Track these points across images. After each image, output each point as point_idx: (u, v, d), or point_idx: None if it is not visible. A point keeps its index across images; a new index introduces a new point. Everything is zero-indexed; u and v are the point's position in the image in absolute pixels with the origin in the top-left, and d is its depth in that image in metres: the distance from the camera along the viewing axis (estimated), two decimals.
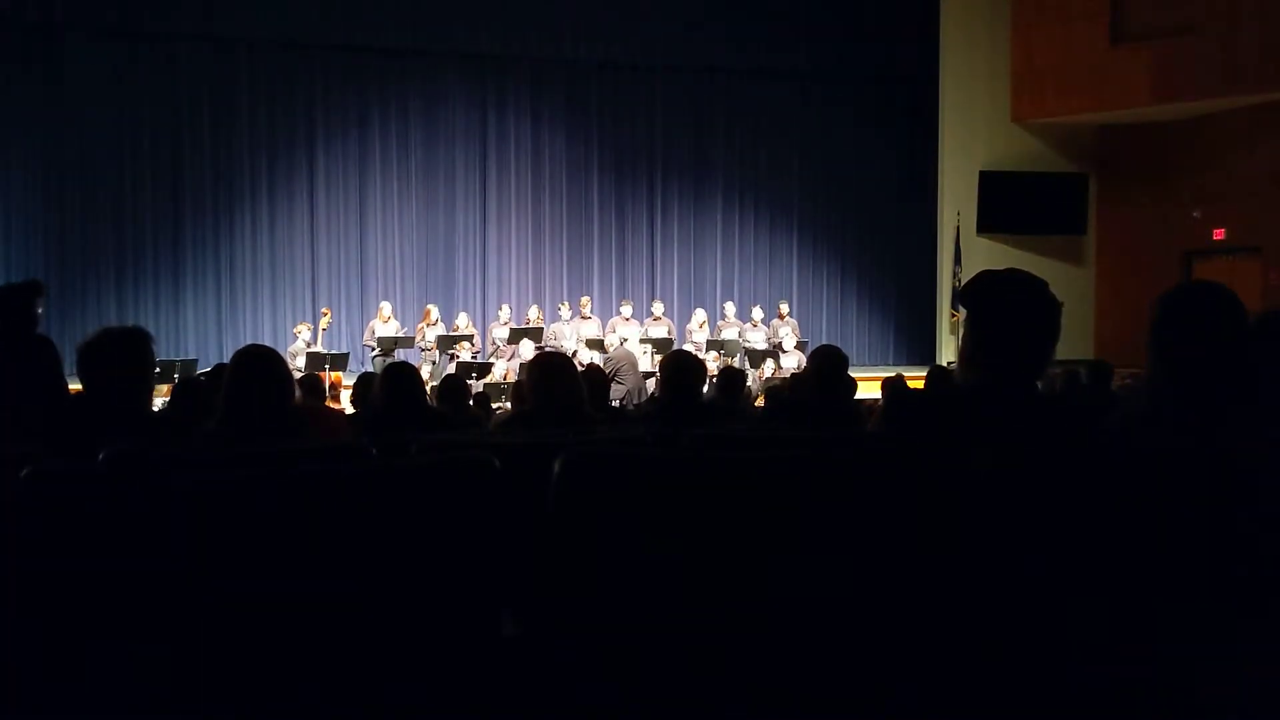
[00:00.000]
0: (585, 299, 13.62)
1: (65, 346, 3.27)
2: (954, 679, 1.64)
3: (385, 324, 12.40)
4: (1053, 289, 2.24)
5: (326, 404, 8.29)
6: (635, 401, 10.24)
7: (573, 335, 12.69)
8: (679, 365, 4.52)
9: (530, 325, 12.76)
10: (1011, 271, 2.26)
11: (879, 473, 1.69)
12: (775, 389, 8.29)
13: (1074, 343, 11.98)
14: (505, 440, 3.09)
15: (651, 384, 10.96)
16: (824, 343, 7.76)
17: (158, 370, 4.59)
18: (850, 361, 4.79)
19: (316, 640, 1.50)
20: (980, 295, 2.24)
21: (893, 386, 7.44)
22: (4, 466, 1.78)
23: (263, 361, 2.95)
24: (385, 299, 13.38)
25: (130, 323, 4.66)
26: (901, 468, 1.70)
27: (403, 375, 4.56)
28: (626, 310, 13.23)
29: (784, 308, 13.84)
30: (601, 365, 9.84)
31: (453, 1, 14.11)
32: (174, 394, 5.23)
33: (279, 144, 14.07)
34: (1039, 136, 14.30)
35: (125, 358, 2.94)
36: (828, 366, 4.54)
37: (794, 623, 1.61)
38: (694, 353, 9.13)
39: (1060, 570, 1.62)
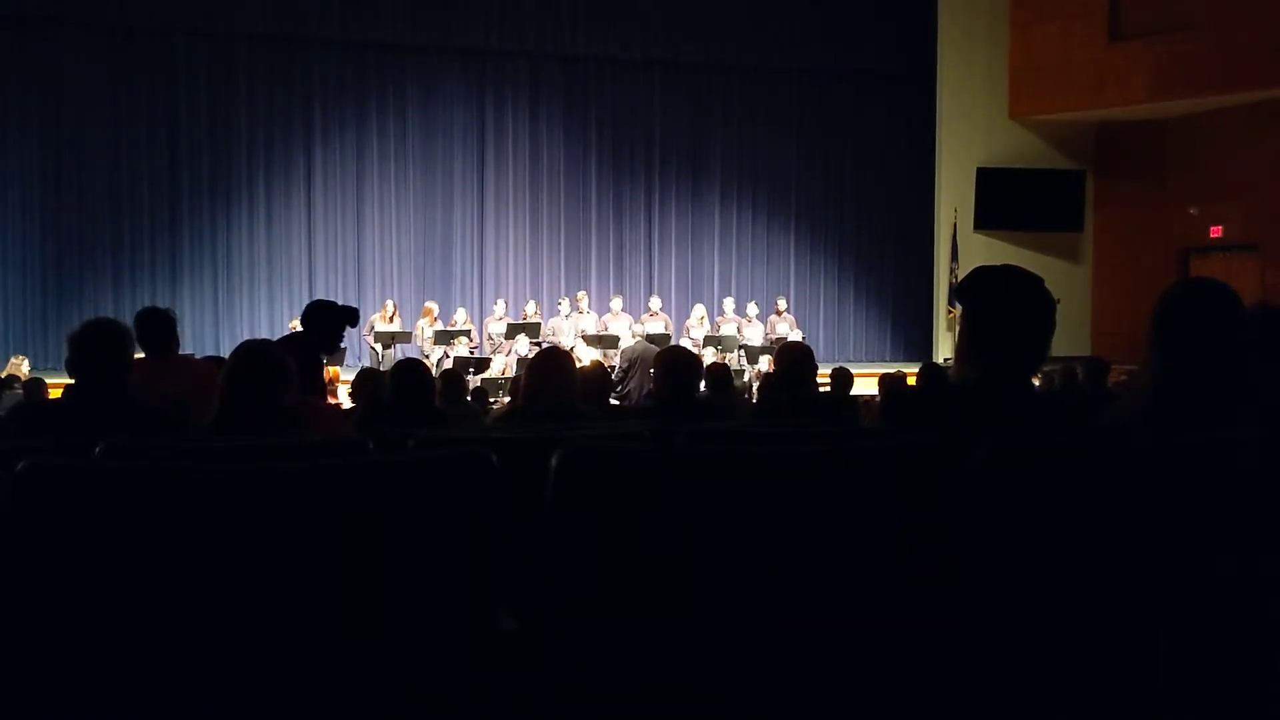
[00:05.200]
0: (581, 294, 13.61)
1: (61, 341, 3.26)
2: (954, 679, 1.64)
3: (388, 322, 12.40)
4: (1050, 286, 2.24)
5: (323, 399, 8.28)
6: (635, 399, 10.23)
7: (571, 331, 12.67)
8: (674, 361, 4.52)
9: (527, 320, 12.75)
10: (1007, 267, 2.26)
11: (876, 469, 1.70)
12: None
13: (1070, 339, 11.99)
14: (502, 435, 3.09)
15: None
16: (790, 340, 7.77)
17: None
18: (848, 357, 4.79)
19: (314, 636, 1.50)
20: (977, 291, 2.25)
21: (890, 383, 7.47)
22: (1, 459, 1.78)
23: (261, 357, 2.95)
24: (385, 295, 13.46)
25: (126, 318, 4.65)
26: (899, 464, 1.70)
27: (412, 373, 4.56)
28: (616, 304, 13.20)
29: (782, 304, 13.86)
30: (604, 361, 9.82)
31: None
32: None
33: (276, 138, 14.04)
34: (1037, 133, 14.32)
35: (117, 350, 2.94)
36: (791, 363, 4.53)
37: (792, 620, 1.61)
38: (690, 348, 9.12)
39: (1057, 568, 1.62)
